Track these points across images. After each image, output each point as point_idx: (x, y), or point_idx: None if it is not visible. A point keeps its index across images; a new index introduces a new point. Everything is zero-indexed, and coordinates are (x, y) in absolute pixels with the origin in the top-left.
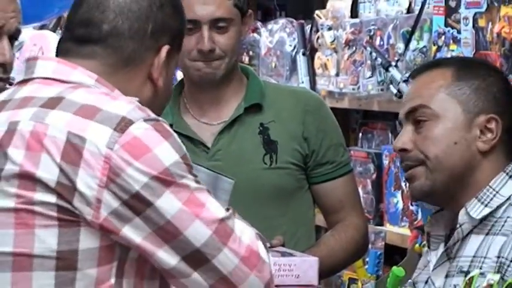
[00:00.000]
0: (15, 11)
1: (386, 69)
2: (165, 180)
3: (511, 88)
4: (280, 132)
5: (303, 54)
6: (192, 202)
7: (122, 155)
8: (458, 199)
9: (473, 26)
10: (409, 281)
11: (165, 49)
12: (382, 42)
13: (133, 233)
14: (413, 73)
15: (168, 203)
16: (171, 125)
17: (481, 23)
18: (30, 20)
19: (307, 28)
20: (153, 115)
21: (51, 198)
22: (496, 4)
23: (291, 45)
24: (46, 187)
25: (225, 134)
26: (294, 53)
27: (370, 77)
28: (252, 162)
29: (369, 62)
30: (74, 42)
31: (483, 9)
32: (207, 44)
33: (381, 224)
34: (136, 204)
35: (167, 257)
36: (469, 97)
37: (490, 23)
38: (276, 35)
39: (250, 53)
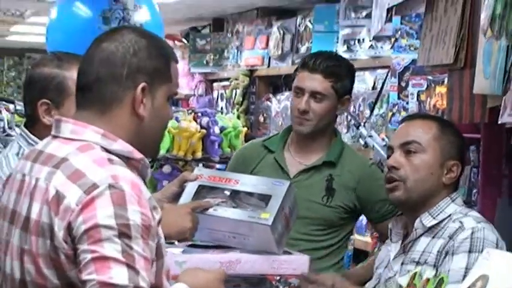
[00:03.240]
0: None
1: (357, 128)
2: (91, 235)
3: (464, 141)
4: (340, 184)
5: None
6: (98, 261)
7: (79, 210)
8: (418, 211)
9: (417, 100)
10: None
11: (140, 86)
12: (354, 109)
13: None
14: (405, 118)
15: (82, 251)
16: (273, 153)
17: (423, 97)
18: None
19: None
20: (121, 182)
21: (47, 241)
22: (433, 85)
23: None
24: (44, 230)
25: (304, 173)
26: None
27: (346, 133)
28: (314, 198)
29: (345, 122)
30: (78, 91)
31: (424, 88)
32: (304, 105)
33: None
34: (78, 244)
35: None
36: (446, 145)
37: (429, 98)
38: (282, 103)
39: (265, 114)
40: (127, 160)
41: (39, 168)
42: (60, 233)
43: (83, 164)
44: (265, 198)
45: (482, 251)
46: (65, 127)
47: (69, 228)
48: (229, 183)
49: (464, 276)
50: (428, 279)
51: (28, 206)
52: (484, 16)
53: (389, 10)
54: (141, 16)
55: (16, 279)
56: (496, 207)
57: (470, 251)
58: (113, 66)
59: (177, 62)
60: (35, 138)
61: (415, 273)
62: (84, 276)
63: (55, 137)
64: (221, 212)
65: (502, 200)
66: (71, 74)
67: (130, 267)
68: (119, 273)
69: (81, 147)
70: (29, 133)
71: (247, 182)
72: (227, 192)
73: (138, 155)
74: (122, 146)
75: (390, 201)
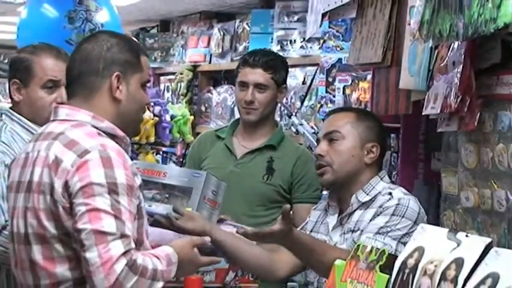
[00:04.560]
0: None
1: (289, 117)
2: (85, 191)
3: (384, 128)
4: (279, 165)
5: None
6: (91, 213)
7: (74, 171)
8: (348, 189)
9: (343, 93)
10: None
11: (114, 75)
12: (287, 101)
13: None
14: (329, 112)
15: (78, 205)
16: (223, 139)
17: (348, 91)
18: None
19: None
20: (108, 149)
21: (48, 196)
22: (356, 81)
23: (230, 101)
24: (45, 188)
25: (248, 155)
26: (232, 105)
27: (279, 121)
28: (256, 177)
29: (279, 112)
30: (68, 85)
31: (349, 83)
32: (250, 97)
33: None
34: (74, 199)
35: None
36: (364, 131)
37: (353, 92)
38: (222, 95)
39: (206, 105)
40: (112, 138)
41: (39, 144)
42: (59, 189)
43: (77, 135)
44: (187, 191)
45: (404, 216)
46: (62, 111)
47: (66, 186)
48: (159, 176)
49: (378, 231)
50: (370, 251)
51: (31, 172)
52: (413, 21)
53: (323, 15)
54: (101, 17)
55: (21, 234)
56: (413, 187)
57: (393, 214)
58: (91, 61)
59: (146, 55)
60: (14, 113)
61: (358, 245)
62: (80, 225)
63: (53, 120)
64: (154, 207)
65: (418, 181)
66: (39, 60)
67: (118, 218)
68: (109, 223)
69: (75, 124)
70: (10, 110)
71: (172, 175)
72: (160, 184)
73: (121, 133)
74: (108, 125)
75: (317, 188)
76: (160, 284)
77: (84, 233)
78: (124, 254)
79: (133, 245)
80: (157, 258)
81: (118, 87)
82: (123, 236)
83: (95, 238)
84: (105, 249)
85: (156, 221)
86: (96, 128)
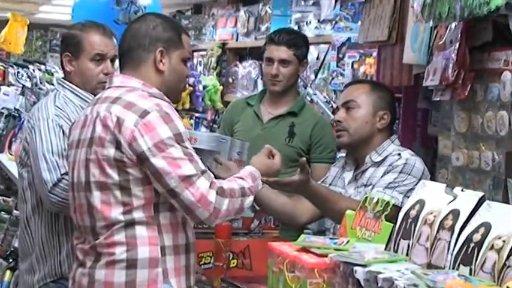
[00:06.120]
0: (113, 45)
1: (305, 88)
2: (159, 147)
3: (394, 98)
4: (300, 130)
5: (261, 78)
6: (172, 163)
7: (139, 130)
8: (363, 150)
9: (351, 68)
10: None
11: (158, 50)
12: (303, 74)
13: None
14: (347, 84)
15: (157, 161)
16: (252, 106)
17: (356, 66)
18: None
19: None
20: (164, 107)
21: (112, 149)
22: (363, 57)
23: (254, 74)
24: (109, 142)
25: (273, 121)
26: (256, 78)
27: None
28: (279, 139)
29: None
30: (120, 58)
31: (357, 59)
32: (275, 71)
33: None
34: (142, 158)
35: (159, 188)
36: (376, 100)
37: (361, 66)
38: (247, 69)
39: (233, 77)
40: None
41: (98, 107)
42: (125, 144)
43: (133, 98)
44: (216, 154)
45: (410, 174)
46: (116, 79)
47: (133, 142)
48: (190, 141)
49: (387, 186)
50: (377, 202)
51: (92, 130)
52: (416, 4)
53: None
54: (144, 0)
55: (82, 182)
56: (412, 149)
57: (400, 172)
58: (139, 38)
59: (187, 35)
60: (65, 81)
61: (366, 198)
62: (166, 178)
63: (109, 87)
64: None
65: (416, 144)
66: (88, 36)
67: (192, 160)
68: (188, 168)
69: (129, 89)
70: (62, 79)
71: (202, 140)
72: None
73: (166, 98)
74: (155, 91)
75: (332, 150)
76: (251, 197)
77: (173, 182)
78: (210, 185)
79: (212, 176)
80: (242, 178)
81: (161, 61)
82: (203, 172)
83: (182, 183)
84: (195, 189)
85: None
86: (147, 92)
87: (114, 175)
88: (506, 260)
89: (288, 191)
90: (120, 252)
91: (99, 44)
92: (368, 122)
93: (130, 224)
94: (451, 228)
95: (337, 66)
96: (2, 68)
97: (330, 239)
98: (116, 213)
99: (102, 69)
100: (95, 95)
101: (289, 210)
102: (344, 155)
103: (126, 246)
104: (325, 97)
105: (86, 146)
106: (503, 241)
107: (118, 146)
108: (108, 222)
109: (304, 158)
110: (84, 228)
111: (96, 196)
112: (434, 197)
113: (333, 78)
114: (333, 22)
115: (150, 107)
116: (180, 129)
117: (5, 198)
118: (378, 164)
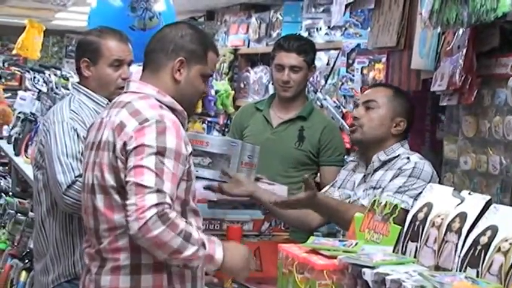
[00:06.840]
0: (129, 51)
1: (315, 93)
2: (138, 150)
3: (413, 106)
4: (309, 134)
5: (272, 84)
6: (137, 168)
7: (134, 134)
8: (373, 150)
9: (361, 73)
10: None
11: (178, 59)
12: (313, 79)
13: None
14: (370, 86)
15: (131, 160)
16: (262, 111)
17: (365, 71)
18: (136, 60)
19: None
20: (166, 119)
21: (110, 153)
22: (373, 62)
23: (265, 79)
24: (110, 146)
25: (283, 125)
26: (267, 83)
27: None
28: (289, 143)
29: (306, 88)
30: (144, 57)
31: (366, 65)
32: (286, 77)
33: None
34: (129, 156)
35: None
36: (397, 106)
37: (370, 72)
38: (258, 74)
39: (245, 82)
40: (172, 111)
41: (112, 111)
42: (119, 147)
43: (141, 106)
44: (227, 158)
45: (419, 178)
46: (133, 85)
47: (124, 145)
48: (202, 144)
49: (397, 190)
50: (385, 205)
51: (102, 133)
52: (424, 11)
53: (346, 6)
54: (159, 7)
55: (89, 184)
56: (421, 153)
57: (410, 176)
58: (164, 42)
59: (216, 53)
60: (80, 86)
61: (374, 201)
62: (127, 178)
63: (125, 92)
64: (200, 172)
65: (424, 148)
66: (105, 42)
67: (158, 176)
68: (148, 179)
69: (142, 96)
70: (77, 84)
71: (213, 144)
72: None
73: (179, 107)
74: (169, 99)
75: (341, 153)
76: (194, 248)
77: (129, 184)
78: (156, 205)
79: (168, 201)
80: (197, 230)
81: (179, 70)
82: (159, 191)
83: (135, 189)
84: (141, 199)
85: (207, 187)
86: (159, 101)
87: (111, 180)
88: None
89: (296, 209)
90: (124, 258)
91: (117, 49)
92: (384, 125)
93: None
94: (459, 231)
95: (347, 71)
96: (19, 73)
97: (339, 241)
98: (119, 216)
99: (120, 74)
100: (110, 100)
101: (301, 216)
102: (352, 158)
103: (130, 252)
104: (334, 102)
105: (95, 148)
106: (510, 244)
107: (114, 150)
108: (111, 225)
109: (307, 176)
110: (90, 230)
111: (100, 199)
112: (442, 200)
113: (342, 84)
114: (343, 28)
115: (152, 117)
116: (167, 144)
117: (21, 200)
118: (385, 166)
